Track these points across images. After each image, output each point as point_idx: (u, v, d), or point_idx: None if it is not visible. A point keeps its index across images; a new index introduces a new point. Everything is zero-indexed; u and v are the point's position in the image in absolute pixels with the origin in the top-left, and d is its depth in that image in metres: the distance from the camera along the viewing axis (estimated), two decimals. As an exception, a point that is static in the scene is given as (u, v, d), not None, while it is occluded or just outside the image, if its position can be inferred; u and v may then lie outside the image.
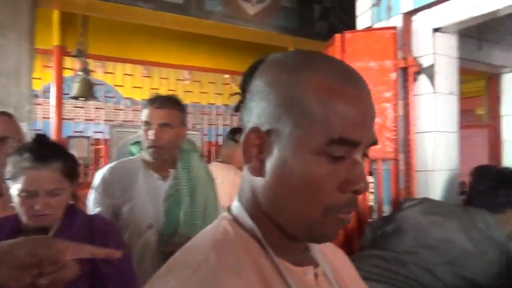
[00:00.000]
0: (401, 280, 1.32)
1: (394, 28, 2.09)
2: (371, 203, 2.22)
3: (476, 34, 2.56)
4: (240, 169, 2.13)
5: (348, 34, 2.17)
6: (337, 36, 2.17)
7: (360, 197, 1.84)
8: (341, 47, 2.15)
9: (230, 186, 2.08)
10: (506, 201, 1.53)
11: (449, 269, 1.31)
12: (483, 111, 3.38)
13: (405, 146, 2.07)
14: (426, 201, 1.67)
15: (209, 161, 3.54)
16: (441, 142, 2.04)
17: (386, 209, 2.13)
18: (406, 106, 2.08)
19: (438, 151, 2.03)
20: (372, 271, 1.36)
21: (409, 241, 1.41)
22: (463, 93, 2.37)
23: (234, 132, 2.43)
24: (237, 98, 0.59)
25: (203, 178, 1.69)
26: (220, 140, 4.69)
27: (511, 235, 1.44)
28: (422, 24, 2.07)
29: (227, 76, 4.67)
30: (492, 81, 3.01)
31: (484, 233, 1.36)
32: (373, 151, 2.26)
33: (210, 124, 4.78)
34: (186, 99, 4.00)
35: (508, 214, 1.53)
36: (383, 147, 2.09)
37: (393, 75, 2.06)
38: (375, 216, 2.23)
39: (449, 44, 2.10)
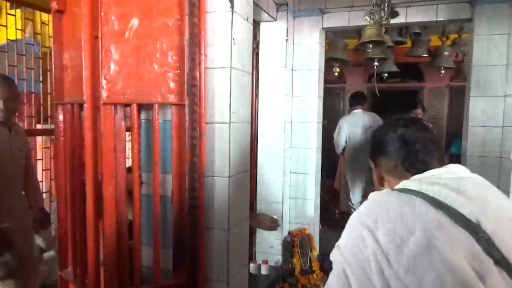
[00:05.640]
0: None
1: None
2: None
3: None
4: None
5: None
6: None
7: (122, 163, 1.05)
8: None
9: None
10: None
11: None
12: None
13: (191, 86, 1.39)
14: None
15: None
16: (238, 84, 1.48)
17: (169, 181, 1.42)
18: (194, 26, 1.39)
19: (235, 96, 1.46)
20: None
21: None
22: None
23: None
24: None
25: None
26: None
27: None
28: None
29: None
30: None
31: None
32: (141, 91, 1.44)
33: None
34: None
35: None
36: (160, 86, 1.33)
37: (178, -26, 1.32)
38: (145, 192, 1.48)
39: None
